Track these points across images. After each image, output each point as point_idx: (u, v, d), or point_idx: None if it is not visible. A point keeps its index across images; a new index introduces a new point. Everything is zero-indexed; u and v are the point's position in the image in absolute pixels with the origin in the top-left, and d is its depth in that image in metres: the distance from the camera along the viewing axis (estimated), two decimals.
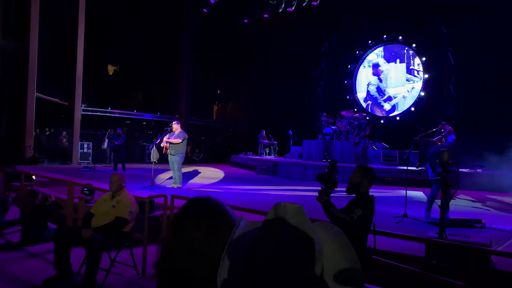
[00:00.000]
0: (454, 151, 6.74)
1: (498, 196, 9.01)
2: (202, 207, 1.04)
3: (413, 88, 17.77)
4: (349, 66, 19.82)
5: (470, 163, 10.89)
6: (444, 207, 4.34)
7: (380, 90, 19.06)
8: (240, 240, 0.85)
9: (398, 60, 18.40)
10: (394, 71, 18.55)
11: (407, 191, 6.90)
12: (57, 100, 16.93)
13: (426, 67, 17.06)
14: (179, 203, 4.68)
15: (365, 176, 3.73)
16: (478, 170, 10.82)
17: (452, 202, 4.48)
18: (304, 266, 0.75)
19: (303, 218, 0.79)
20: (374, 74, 19.28)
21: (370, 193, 3.79)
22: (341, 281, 0.77)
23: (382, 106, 18.94)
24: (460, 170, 4.61)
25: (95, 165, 15.05)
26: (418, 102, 17.33)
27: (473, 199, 8.84)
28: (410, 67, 17.92)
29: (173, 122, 9.45)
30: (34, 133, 15.53)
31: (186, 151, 10.35)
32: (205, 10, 20.04)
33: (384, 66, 18.92)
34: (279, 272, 0.74)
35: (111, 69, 24.42)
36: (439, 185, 6.68)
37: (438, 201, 4.49)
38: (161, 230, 5.04)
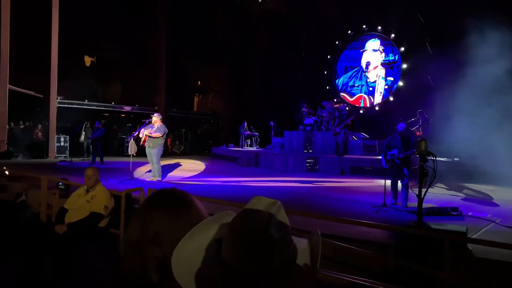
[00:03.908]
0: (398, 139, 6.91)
1: (473, 185, 9.20)
2: (168, 198, 1.02)
3: (392, 77, 17.96)
4: (328, 56, 19.86)
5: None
6: (421, 196, 4.37)
7: (356, 78, 19.22)
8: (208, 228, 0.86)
9: (379, 50, 18.51)
10: (374, 60, 18.67)
11: (386, 181, 6.96)
12: (32, 93, 16.44)
13: (405, 57, 17.24)
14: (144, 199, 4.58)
15: None
16: (455, 159, 11.00)
17: (429, 190, 4.53)
18: (271, 252, 0.77)
19: (277, 210, 0.82)
20: (353, 63, 19.39)
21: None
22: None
23: (355, 94, 19.14)
24: (437, 159, 4.64)
25: (72, 159, 14.73)
26: (396, 92, 17.53)
27: (449, 188, 9.00)
28: (390, 57, 18.08)
29: (154, 114, 9.27)
30: (7, 126, 15.07)
31: (166, 144, 10.22)
32: None
33: (364, 55, 19.03)
34: (247, 258, 0.75)
35: (88, 60, 23.88)
36: (393, 172, 6.83)
37: (416, 190, 4.53)
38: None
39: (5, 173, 8.32)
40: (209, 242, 0.83)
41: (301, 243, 0.86)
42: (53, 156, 15.66)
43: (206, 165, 14.34)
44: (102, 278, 4.24)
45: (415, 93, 15.83)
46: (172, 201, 1.01)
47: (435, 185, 8.38)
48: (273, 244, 0.77)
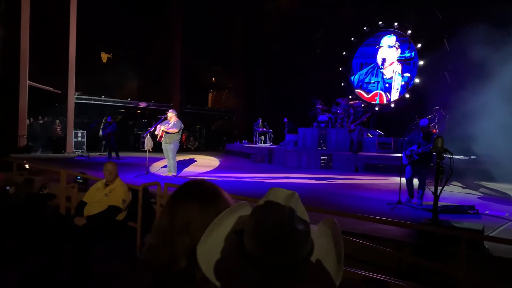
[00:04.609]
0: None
1: (490, 183, 9.07)
2: (196, 189, 1.05)
3: (408, 74, 17.77)
4: (343, 53, 19.71)
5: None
6: (436, 193, 4.34)
7: (372, 75, 19.04)
8: (229, 220, 0.88)
9: (394, 46, 18.30)
10: (390, 56, 18.47)
11: (402, 178, 6.92)
12: (50, 89, 16.75)
13: (421, 54, 17.02)
14: (173, 191, 4.66)
15: None
16: (472, 157, 10.85)
17: (445, 188, 4.49)
18: (295, 245, 0.79)
19: (296, 203, 0.83)
20: (368, 60, 19.23)
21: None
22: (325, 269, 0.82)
23: (371, 91, 18.99)
24: (454, 157, 4.60)
25: (90, 154, 14.97)
26: (412, 88, 17.34)
27: (465, 186, 8.89)
28: (407, 54, 17.88)
29: (170, 111, 9.38)
30: (27, 121, 15.39)
31: (181, 140, 10.33)
32: None
33: (379, 51, 18.84)
34: (271, 250, 0.77)
35: (104, 56, 24.17)
36: (411, 168, 6.75)
37: (432, 188, 4.50)
38: (155, 218, 5.03)
39: (25, 167, 8.53)
40: (227, 234, 0.85)
41: (316, 233, 0.87)
42: (70, 151, 15.95)
43: (220, 161, 14.43)
44: (119, 270, 4.35)
45: (431, 90, 15.62)
46: (201, 192, 1.04)
47: (451, 183, 8.29)
48: (298, 236, 0.78)
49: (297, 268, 0.79)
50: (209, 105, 27.48)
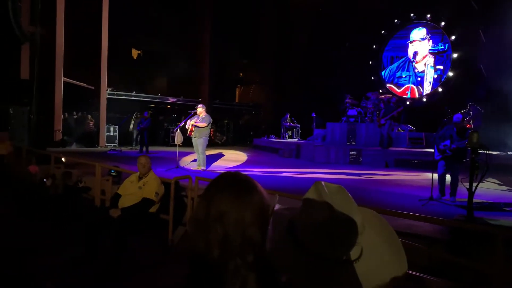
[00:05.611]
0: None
1: None
2: (231, 181, 1.07)
3: (441, 67, 17.26)
4: (374, 46, 19.34)
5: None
6: (471, 189, 4.23)
7: (404, 69, 18.61)
8: (279, 215, 0.88)
9: (426, 38, 17.81)
10: (422, 49, 17.99)
11: (434, 174, 6.77)
12: (84, 84, 17.27)
13: (455, 46, 16.48)
14: (204, 184, 4.74)
15: None
16: (508, 153, 10.49)
17: (480, 185, 4.37)
18: (343, 244, 0.80)
19: (345, 198, 0.84)
20: (399, 53, 18.79)
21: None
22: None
23: (403, 85, 18.55)
24: (490, 152, 4.46)
25: (121, 148, 15.38)
26: (445, 82, 16.83)
27: (501, 183, 8.59)
28: (440, 46, 17.35)
29: (199, 105, 9.52)
30: (62, 116, 15.94)
31: (210, 134, 10.47)
32: None
33: (411, 44, 18.38)
34: (321, 246, 0.79)
35: (135, 53, 24.70)
36: (443, 164, 6.56)
37: (467, 184, 4.39)
38: (186, 210, 5.13)
39: (62, 160, 8.88)
40: (274, 226, 0.88)
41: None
42: (103, 145, 16.44)
43: (248, 155, 14.51)
44: (152, 260, 4.47)
45: (465, 84, 15.15)
46: (236, 183, 1.07)
47: (486, 179, 8.03)
48: (349, 229, 0.80)
49: (350, 261, 0.81)
50: (237, 100, 27.63)
